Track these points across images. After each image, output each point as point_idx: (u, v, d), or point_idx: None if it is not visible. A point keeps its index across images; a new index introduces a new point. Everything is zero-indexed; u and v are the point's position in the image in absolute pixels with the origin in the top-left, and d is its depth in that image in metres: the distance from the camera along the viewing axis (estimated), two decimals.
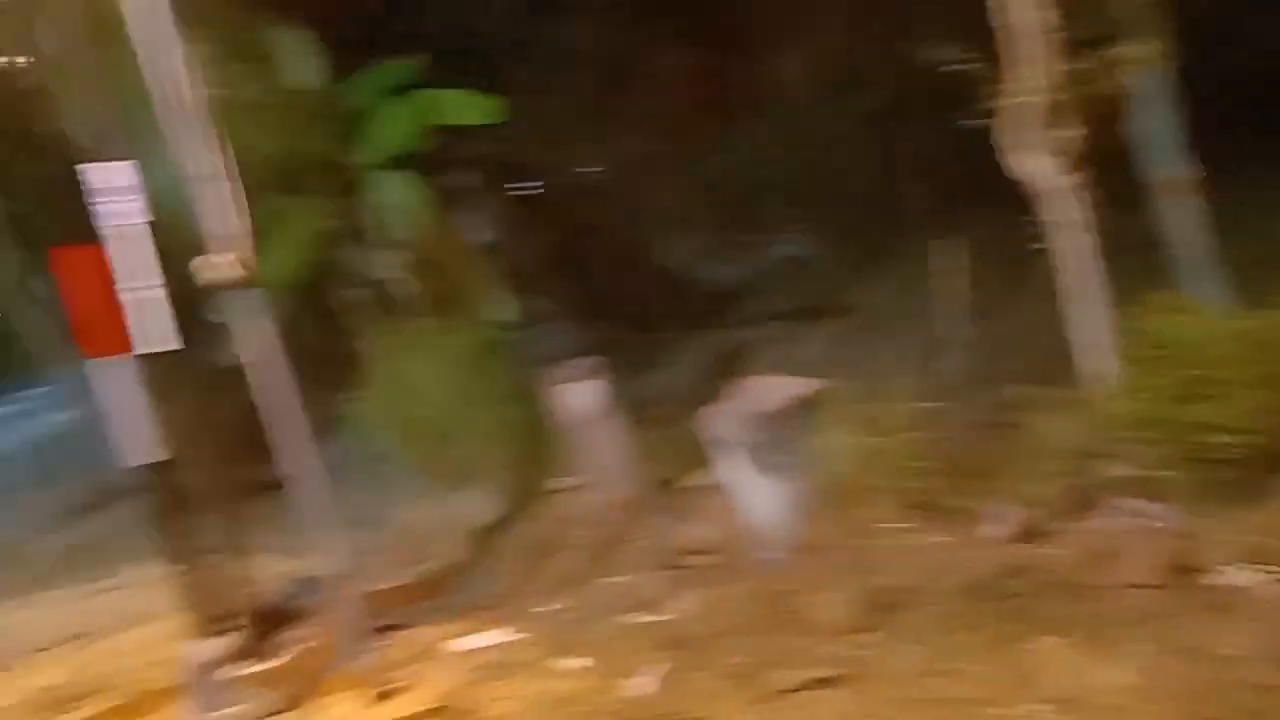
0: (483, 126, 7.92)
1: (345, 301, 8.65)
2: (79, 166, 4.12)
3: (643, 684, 3.72)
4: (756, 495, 4.56)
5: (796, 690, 3.40)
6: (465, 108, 7.58)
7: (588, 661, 4.04)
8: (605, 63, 11.10)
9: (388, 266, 8.01)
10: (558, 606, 4.72)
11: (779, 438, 4.51)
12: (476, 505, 6.65)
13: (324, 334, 8.79)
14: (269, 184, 6.22)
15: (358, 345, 8.47)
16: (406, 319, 7.91)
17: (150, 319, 4.20)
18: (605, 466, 5.80)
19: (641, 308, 9.89)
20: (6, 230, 7.81)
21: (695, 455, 5.53)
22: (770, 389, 4.84)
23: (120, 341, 4.31)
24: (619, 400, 5.92)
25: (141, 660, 5.34)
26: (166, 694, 4.73)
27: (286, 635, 4.89)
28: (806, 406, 4.69)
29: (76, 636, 6.05)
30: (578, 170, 12.87)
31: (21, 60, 4.34)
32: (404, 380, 7.47)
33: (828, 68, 10.62)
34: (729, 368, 7.34)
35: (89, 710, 4.84)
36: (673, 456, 5.85)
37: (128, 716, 4.68)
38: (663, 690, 3.65)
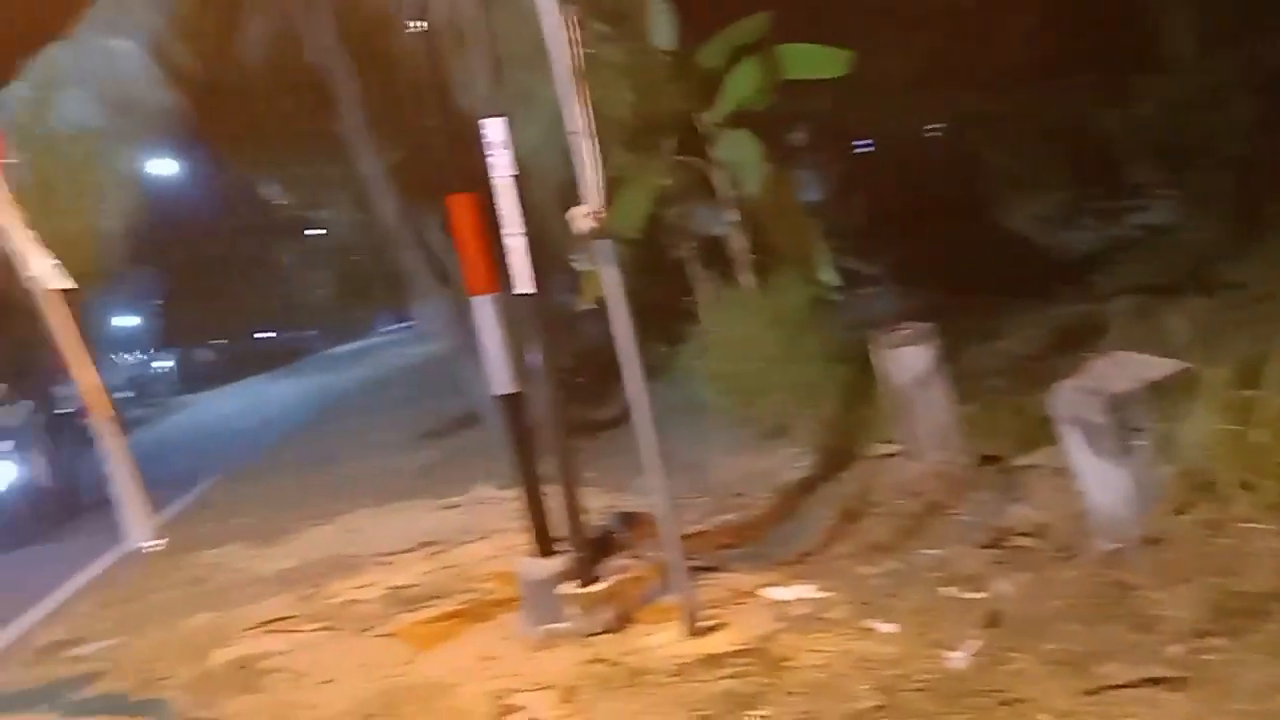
0: (821, 83, 7.84)
1: (680, 255, 8.96)
2: (479, 120, 4.51)
3: (955, 658, 3.61)
4: (1101, 480, 4.23)
5: (1129, 687, 3.14)
6: (816, 61, 7.52)
7: (896, 628, 3.97)
8: (953, 12, 10.57)
9: (723, 222, 8.18)
10: (869, 570, 4.66)
11: (1132, 421, 4.14)
12: (791, 461, 6.70)
13: (657, 285, 9.18)
14: (621, 140, 6.53)
15: (688, 297, 8.77)
16: (737, 274, 8.06)
17: (514, 264, 4.57)
18: (928, 435, 5.63)
19: (981, 272, 9.42)
20: (396, 179, 8.76)
21: (1029, 432, 5.23)
22: (1126, 368, 4.45)
23: (491, 282, 4.76)
24: (949, 368, 5.71)
25: (481, 571, 5.90)
26: (502, 604, 5.19)
27: (609, 564, 5.20)
28: (1166, 389, 4.27)
29: (425, 544, 6.79)
30: (917, 127, 12.43)
31: (421, 24, 4.79)
32: (730, 333, 7.64)
33: (1221, 15, 9.45)
34: (1077, 342, 6.85)
35: (433, 611, 5.39)
36: (1003, 431, 5.57)
37: (467, 620, 5.13)
38: (976, 667, 3.51)
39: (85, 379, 4.40)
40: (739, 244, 8.07)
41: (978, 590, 4.16)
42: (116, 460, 4.42)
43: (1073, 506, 4.46)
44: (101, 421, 4.38)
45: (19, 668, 5.91)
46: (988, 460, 5.43)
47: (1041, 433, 4.93)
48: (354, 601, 5.86)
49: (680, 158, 8.19)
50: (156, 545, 4.66)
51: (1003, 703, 3.24)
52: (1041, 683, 3.29)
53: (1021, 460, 5.23)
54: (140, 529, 4.70)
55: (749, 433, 7.39)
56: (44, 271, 4.19)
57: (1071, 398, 4.30)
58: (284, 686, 4.71)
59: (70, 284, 4.24)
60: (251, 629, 5.68)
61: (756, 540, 5.51)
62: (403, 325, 41.60)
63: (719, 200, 8.18)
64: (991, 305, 8.80)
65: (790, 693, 3.58)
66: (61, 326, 4.24)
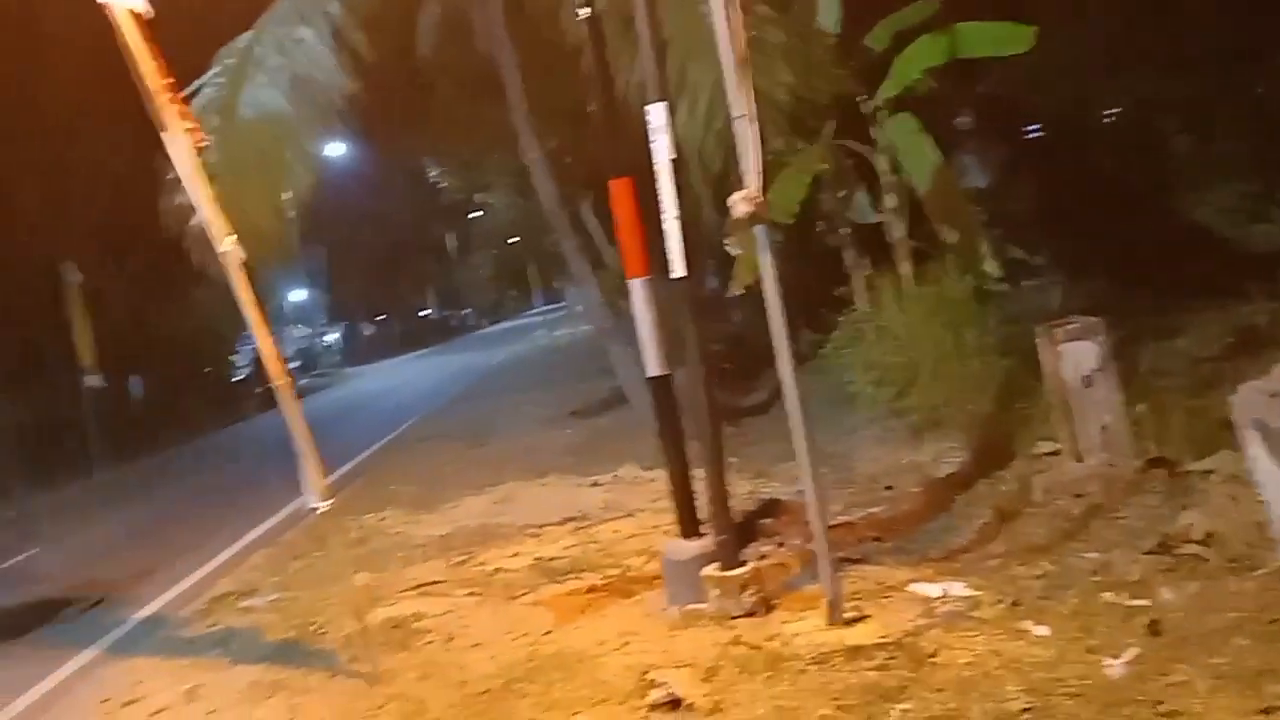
0: (989, 64, 7.54)
1: (834, 241, 8.83)
2: (643, 106, 4.56)
3: (1110, 666, 3.45)
4: None
5: None
6: (997, 38, 7.20)
7: (1049, 630, 3.83)
8: None
9: (882, 209, 8.01)
10: (1023, 570, 4.50)
11: None
12: (943, 455, 6.54)
13: (809, 271, 9.07)
14: (778, 124, 6.47)
15: (840, 285, 8.63)
16: (895, 262, 7.87)
17: (671, 247, 4.60)
18: (1093, 435, 5.38)
19: (1158, 266, 8.90)
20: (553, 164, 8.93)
21: (1205, 435, 4.97)
22: None
23: (647, 265, 4.81)
24: (1119, 366, 5.44)
25: (625, 548, 6.01)
26: (644, 581, 5.28)
27: (751, 548, 5.21)
28: None
29: (571, 519, 6.95)
30: (1093, 110, 11.82)
31: (586, 10, 4.87)
32: (885, 322, 7.48)
33: None
34: (1263, 343, 6.43)
35: (577, 584, 5.52)
36: (1176, 434, 5.28)
37: (610, 594, 5.24)
38: (1135, 676, 3.35)
39: (265, 346, 4.69)
40: (898, 231, 7.88)
41: (1140, 598, 3.96)
42: (293, 425, 4.70)
43: (1250, 516, 4.20)
44: (280, 387, 4.66)
45: (195, 615, 6.39)
46: (1156, 463, 5.16)
47: (1219, 437, 4.65)
48: (502, 570, 6.07)
49: (839, 142, 8.06)
50: (326, 506, 4.92)
51: (1161, 715, 3.09)
52: (1205, 697, 3.12)
53: (1194, 465, 4.95)
54: (313, 491, 4.98)
55: (900, 425, 7.24)
56: (230, 246, 4.49)
57: (1255, 400, 4.03)
58: (435, 647, 4.94)
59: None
60: (406, 591, 5.96)
61: (905, 534, 5.40)
62: (553, 306, 42.69)
63: (878, 186, 8.01)
64: (1168, 301, 8.32)
65: (935, 689, 3.50)
66: (246, 297, 4.52)
